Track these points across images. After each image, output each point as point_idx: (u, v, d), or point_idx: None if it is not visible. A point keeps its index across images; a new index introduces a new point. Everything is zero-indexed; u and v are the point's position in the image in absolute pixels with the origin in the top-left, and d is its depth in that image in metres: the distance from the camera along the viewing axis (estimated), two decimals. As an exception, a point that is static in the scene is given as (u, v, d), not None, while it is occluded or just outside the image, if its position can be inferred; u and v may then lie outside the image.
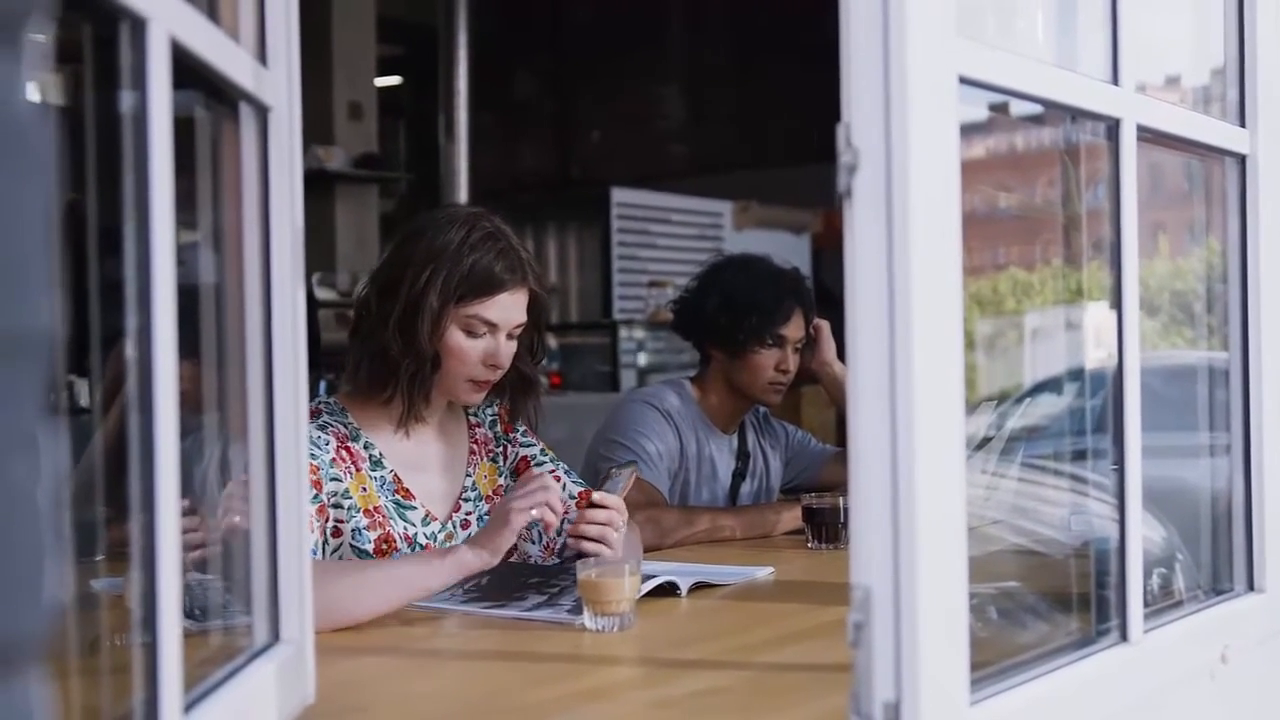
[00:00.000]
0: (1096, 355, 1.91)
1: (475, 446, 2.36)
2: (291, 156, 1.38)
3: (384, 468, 2.21)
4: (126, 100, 1.02)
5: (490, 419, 2.41)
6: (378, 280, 2.22)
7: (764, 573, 2.34)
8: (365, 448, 2.21)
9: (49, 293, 0.59)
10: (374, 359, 2.20)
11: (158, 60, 1.01)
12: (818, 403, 6.48)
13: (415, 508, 2.22)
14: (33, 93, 0.59)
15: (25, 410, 0.57)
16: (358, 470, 2.18)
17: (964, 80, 1.24)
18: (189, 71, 1.11)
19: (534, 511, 1.97)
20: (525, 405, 2.36)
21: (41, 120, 0.59)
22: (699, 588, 2.16)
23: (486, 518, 2.28)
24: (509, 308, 2.21)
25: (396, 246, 2.24)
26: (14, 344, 0.56)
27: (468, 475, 2.33)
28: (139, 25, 1.00)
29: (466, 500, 2.32)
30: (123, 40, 1.00)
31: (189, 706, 1.08)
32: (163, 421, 1.01)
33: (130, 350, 1.00)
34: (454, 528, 2.27)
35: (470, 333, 2.19)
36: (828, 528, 2.62)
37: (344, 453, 2.16)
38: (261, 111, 1.34)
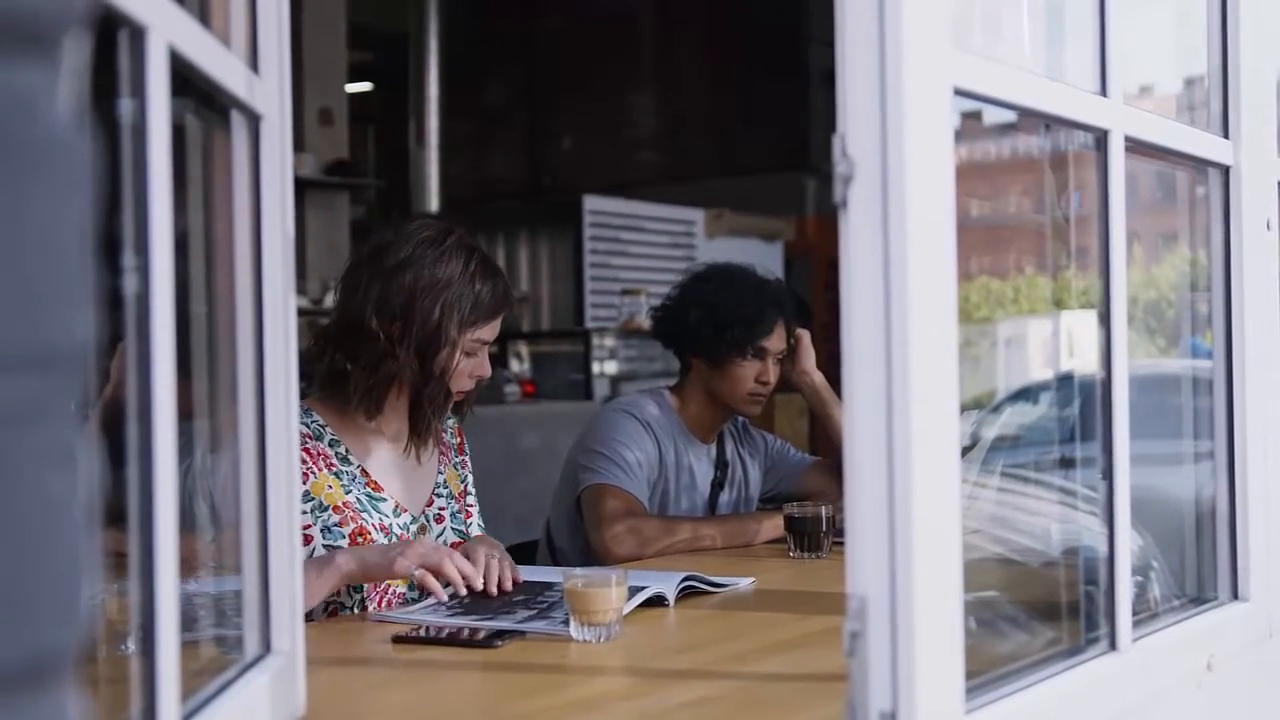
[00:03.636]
0: (1073, 364, 1.92)
1: (443, 448, 2.46)
2: (283, 165, 1.37)
3: (351, 464, 2.27)
4: (124, 108, 1.01)
5: (450, 429, 2.50)
6: (373, 302, 2.23)
7: (746, 583, 2.34)
8: (331, 445, 2.27)
9: (86, 307, 0.59)
10: (383, 383, 2.24)
11: (157, 69, 1.01)
12: (790, 411, 6.50)
13: (385, 499, 2.29)
14: (71, 104, 0.59)
15: (63, 424, 0.57)
16: (320, 471, 2.23)
17: (958, 91, 1.25)
18: (182, 79, 1.10)
19: (416, 572, 2.05)
20: (471, 397, 2.41)
21: (79, 132, 0.59)
22: (688, 592, 2.17)
23: (458, 515, 2.41)
24: (498, 326, 2.34)
25: (393, 269, 2.24)
26: (52, 358, 0.56)
27: (439, 473, 2.42)
28: (138, 34, 0.99)
29: (439, 495, 2.40)
30: (121, 48, 0.99)
31: (185, 719, 1.07)
32: (161, 433, 1.00)
33: (129, 359, 0.99)
34: (428, 520, 2.36)
35: (470, 354, 2.29)
36: (810, 536, 2.62)
37: (303, 454, 2.18)
38: (253, 120, 1.33)
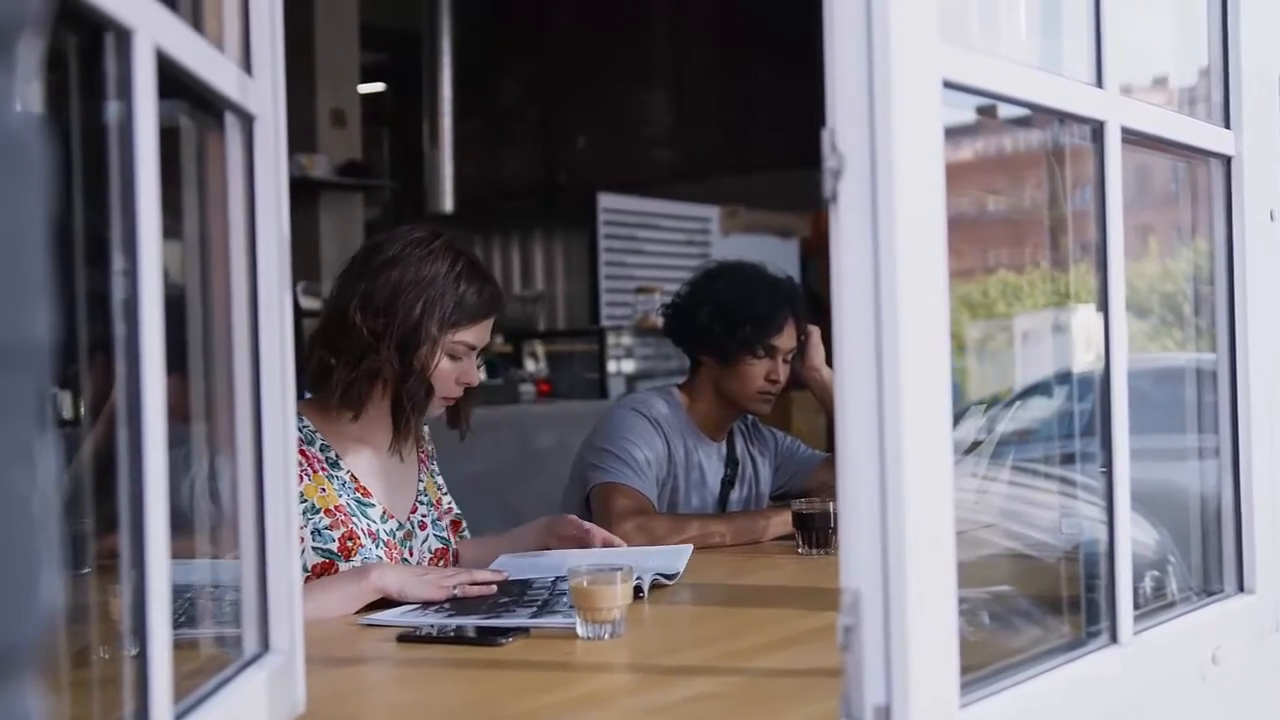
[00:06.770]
0: (1086, 358, 1.91)
1: (423, 457, 2.49)
2: (277, 165, 1.37)
3: (342, 469, 2.30)
4: (111, 110, 1.02)
5: (426, 438, 2.54)
6: (359, 297, 2.26)
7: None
8: (321, 450, 2.29)
9: (45, 303, 0.59)
10: (364, 378, 2.27)
11: (143, 70, 1.01)
12: (807, 409, 6.48)
13: (374, 505, 2.32)
14: (27, 103, 0.59)
15: (23, 420, 0.57)
16: (315, 473, 2.26)
17: (948, 84, 1.25)
18: (173, 81, 1.11)
19: (457, 591, 2.12)
20: (467, 409, 2.43)
21: (36, 131, 0.60)
22: (655, 585, 2.20)
23: (439, 522, 2.44)
24: (487, 332, 2.36)
25: (380, 266, 2.28)
26: (11, 355, 0.56)
27: (420, 481, 2.46)
28: (124, 36, 1.00)
29: (421, 503, 2.44)
30: (108, 50, 1.00)
31: (179, 717, 1.08)
32: (151, 433, 1.00)
33: (118, 362, 1.00)
34: (412, 527, 2.39)
35: (453, 357, 2.31)
36: (818, 533, 2.62)
37: (299, 455, 2.20)
38: (247, 121, 1.34)
